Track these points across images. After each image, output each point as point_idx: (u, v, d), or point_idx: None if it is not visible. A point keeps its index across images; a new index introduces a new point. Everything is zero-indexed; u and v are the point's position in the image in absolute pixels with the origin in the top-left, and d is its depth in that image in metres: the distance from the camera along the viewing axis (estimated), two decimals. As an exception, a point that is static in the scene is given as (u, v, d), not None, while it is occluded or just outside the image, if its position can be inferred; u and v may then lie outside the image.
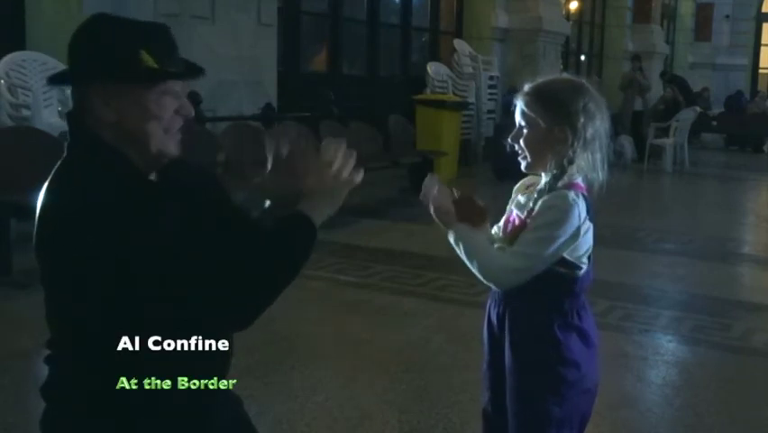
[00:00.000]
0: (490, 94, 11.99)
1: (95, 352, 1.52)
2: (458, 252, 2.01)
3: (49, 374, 1.63)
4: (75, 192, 1.48)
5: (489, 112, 11.98)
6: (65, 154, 1.57)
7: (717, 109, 18.58)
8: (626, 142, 12.94)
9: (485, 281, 2.00)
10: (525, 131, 2.02)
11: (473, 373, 3.63)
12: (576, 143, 1.97)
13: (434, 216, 2.03)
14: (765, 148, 16.41)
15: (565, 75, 2.14)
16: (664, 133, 13.00)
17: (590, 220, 1.99)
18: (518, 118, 2.04)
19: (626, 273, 5.75)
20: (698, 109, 14.41)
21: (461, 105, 10.71)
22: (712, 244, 7.24)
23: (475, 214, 2.06)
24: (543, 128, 1.99)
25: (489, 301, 2.16)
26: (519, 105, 2.03)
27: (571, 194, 1.95)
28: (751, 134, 16.80)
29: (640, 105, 14.45)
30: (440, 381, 3.73)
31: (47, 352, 1.63)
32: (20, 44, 6.51)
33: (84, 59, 1.56)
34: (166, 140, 1.58)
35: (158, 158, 1.59)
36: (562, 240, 1.93)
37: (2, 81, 5.93)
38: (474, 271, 1.99)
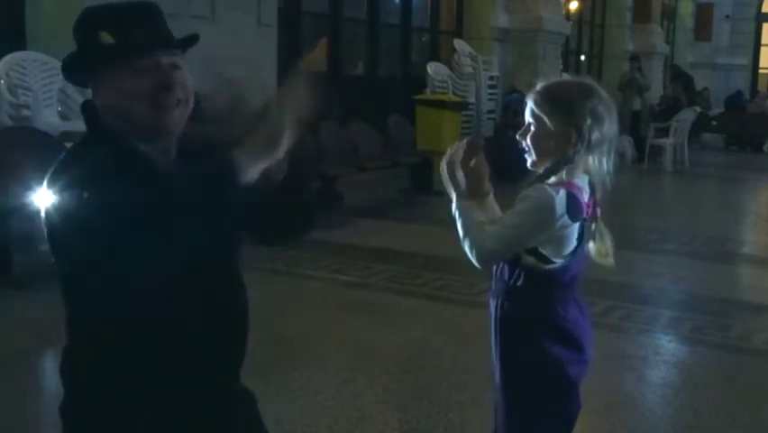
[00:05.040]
0: (490, 94, 11.98)
1: (102, 336, 1.53)
2: (457, 223, 2.04)
3: (63, 360, 1.63)
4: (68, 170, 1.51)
5: (489, 112, 11.97)
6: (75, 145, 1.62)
7: (717, 109, 18.57)
8: (627, 143, 12.94)
9: (469, 257, 2.03)
10: (532, 128, 2.04)
11: (473, 373, 3.64)
12: (579, 145, 1.99)
13: (452, 179, 2.02)
14: (765, 148, 16.40)
15: (575, 77, 2.18)
16: (664, 133, 12.99)
17: (573, 220, 1.98)
18: (527, 116, 2.06)
19: (626, 273, 5.73)
20: (697, 109, 14.40)
21: (461, 106, 10.70)
22: (712, 244, 7.23)
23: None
24: (549, 127, 2.01)
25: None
26: (529, 103, 2.06)
27: (550, 189, 1.97)
28: (751, 134, 16.78)
29: (639, 104, 14.45)
30: (440, 381, 3.73)
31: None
32: (20, 44, 6.51)
33: (69, 54, 1.61)
34: (155, 116, 1.55)
35: (154, 136, 1.57)
36: (527, 229, 1.97)
37: (2, 81, 5.92)
38: (464, 246, 2.02)
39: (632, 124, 14.02)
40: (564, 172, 2.00)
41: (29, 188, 4.61)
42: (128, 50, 1.55)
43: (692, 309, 5.08)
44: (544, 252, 1.99)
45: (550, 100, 2.03)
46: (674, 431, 3.43)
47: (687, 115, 13.41)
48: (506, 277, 2.05)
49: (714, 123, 17.19)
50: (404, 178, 9.06)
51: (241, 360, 1.73)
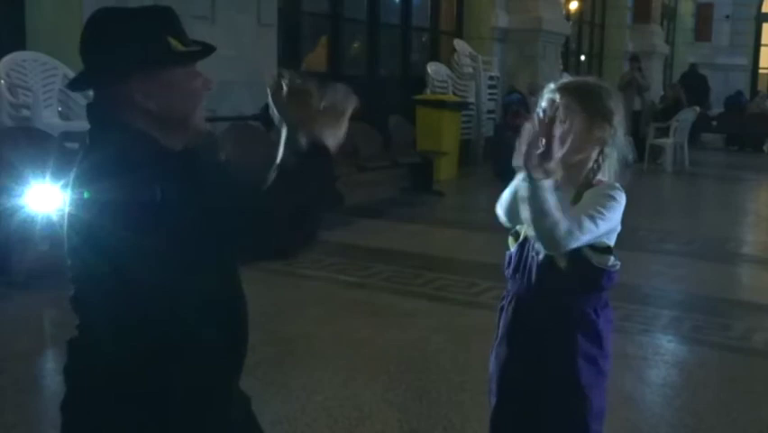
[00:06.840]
0: (490, 94, 11.99)
1: (117, 334, 1.53)
2: (529, 203, 1.86)
3: (69, 358, 1.63)
4: (106, 168, 1.50)
5: (489, 112, 11.98)
6: (89, 145, 1.59)
7: (717, 109, 18.58)
8: (626, 142, 12.92)
9: (546, 239, 1.90)
10: (561, 124, 1.99)
11: (473, 373, 3.64)
12: (611, 141, 2.04)
13: (536, 158, 1.81)
14: (765, 148, 16.41)
15: (576, 76, 2.21)
16: (664, 133, 13.00)
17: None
18: (555, 113, 2.00)
19: (626, 273, 5.67)
20: (697, 109, 14.41)
21: (461, 106, 10.71)
22: (712, 244, 7.23)
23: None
24: (583, 123, 2.02)
25: (510, 294, 2.15)
26: (556, 100, 2.03)
27: (619, 189, 2.02)
28: (751, 134, 16.79)
29: (639, 104, 14.46)
30: (440, 381, 3.73)
31: (73, 334, 1.63)
32: (20, 44, 6.51)
33: (114, 56, 1.56)
34: (201, 115, 1.69)
35: (190, 136, 1.67)
36: (609, 226, 1.98)
37: (2, 81, 5.92)
38: (541, 226, 1.87)
39: (632, 125, 14.03)
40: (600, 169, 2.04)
41: (29, 188, 4.62)
42: (200, 56, 1.65)
43: (692, 309, 5.08)
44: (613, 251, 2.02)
45: (582, 96, 2.04)
46: (674, 431, 3.42)
47: (687, 115, 13.41)
48: (564, 275, 2.00)
49: (714, 123, 17.20)
50: (404, 178, 9.07)
51: (242, 360, 1.73)
